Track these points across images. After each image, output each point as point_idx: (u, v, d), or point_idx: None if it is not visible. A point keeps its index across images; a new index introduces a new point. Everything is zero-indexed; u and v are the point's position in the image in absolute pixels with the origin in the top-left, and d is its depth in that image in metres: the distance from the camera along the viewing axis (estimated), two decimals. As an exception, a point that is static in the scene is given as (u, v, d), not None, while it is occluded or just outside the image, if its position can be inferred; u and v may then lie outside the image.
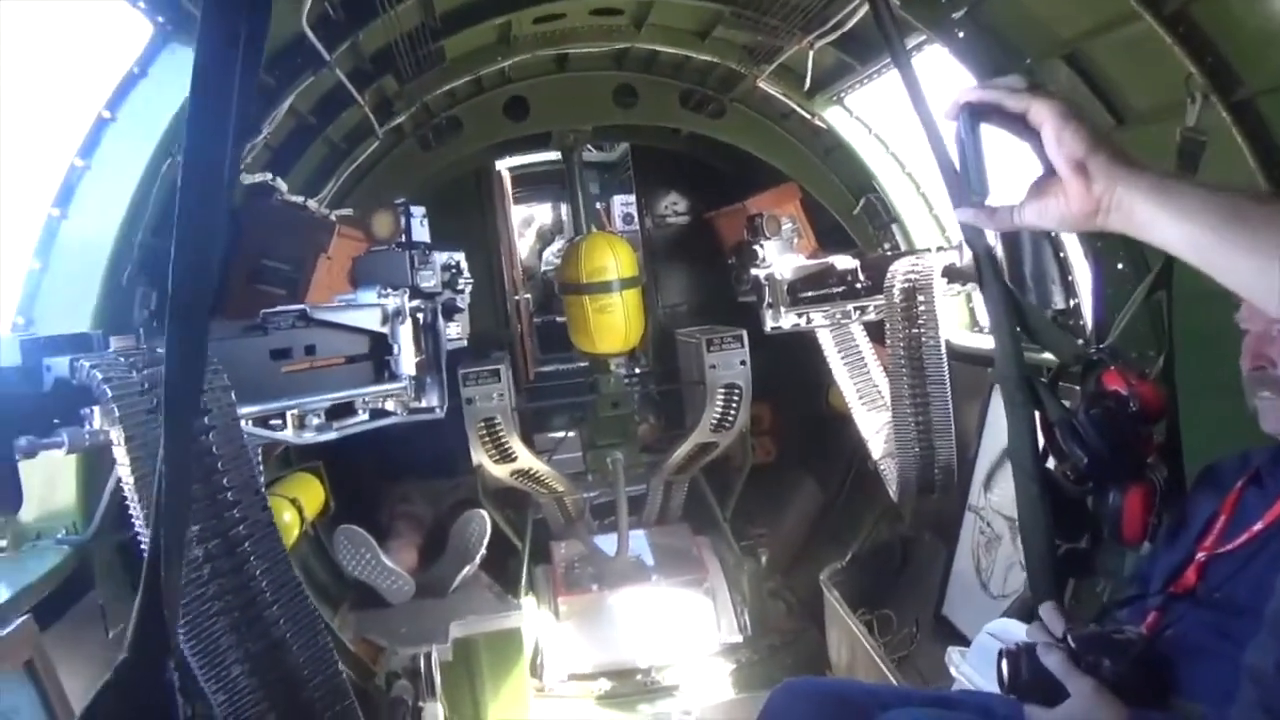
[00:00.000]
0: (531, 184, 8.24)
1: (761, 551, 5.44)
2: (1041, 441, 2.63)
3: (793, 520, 5.83)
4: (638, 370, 5.90)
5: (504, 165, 6.61)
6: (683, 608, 4.94)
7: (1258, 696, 1.51)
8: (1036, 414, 2.58)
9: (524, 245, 9.22)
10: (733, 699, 4.64)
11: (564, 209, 8.96)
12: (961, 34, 3.10)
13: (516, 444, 4.83)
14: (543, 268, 9.15)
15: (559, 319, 7.74)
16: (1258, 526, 1.93)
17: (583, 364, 5.98)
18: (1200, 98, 2.49)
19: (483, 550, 4.78)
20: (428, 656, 4.01)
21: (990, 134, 1.21)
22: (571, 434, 5.67)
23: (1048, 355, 2.96)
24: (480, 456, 4.82)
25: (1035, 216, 1.15)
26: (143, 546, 1.77)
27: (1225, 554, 2.00)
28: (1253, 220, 0.98)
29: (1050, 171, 1.11)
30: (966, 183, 1.21)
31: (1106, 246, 3.15)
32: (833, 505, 5.76)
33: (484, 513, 4.86)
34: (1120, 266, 3.12)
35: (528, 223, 9.73)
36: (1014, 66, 3.05)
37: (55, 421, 1.76)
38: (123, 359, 1.80)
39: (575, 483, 5.25)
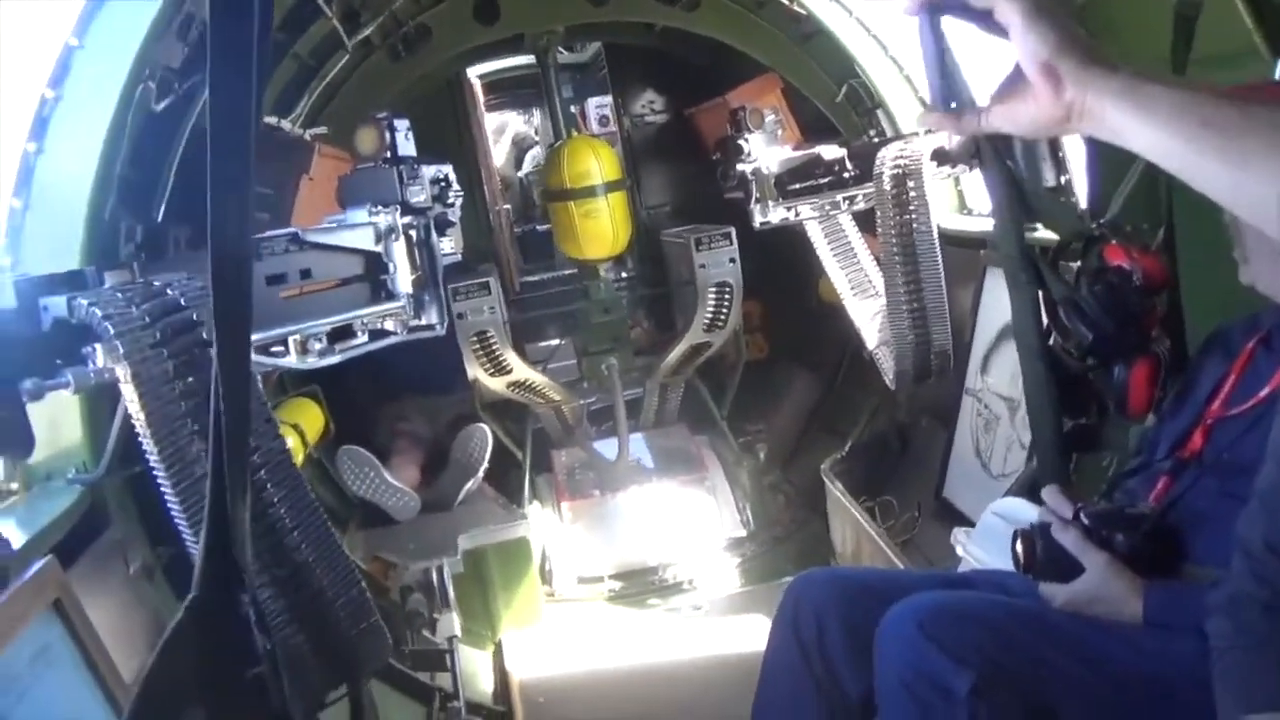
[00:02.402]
0: (503, 91, 8.04)
1: (760, 447, 5.48)
2: (1045, 320, 2.64)
3: (789, 414, 5.87)
4: (624, 275, 5.85)
5: (474, 73, 6.44)
6: (685, 506, 5.00)
7: (1248, 567, 1.53)
8: (1039, 293, 2.58)
9: (499, 154, 9.04)
10: (740, 591, 4.74)
11: (536, 115, 8.76)
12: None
13: (510, 356, 4.82)
14: (521, 173, 8.99)
15: (540, 228, 7.66)
16: (1266, 390, 1.95)
17: (567, 272, 5.92)
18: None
19: (485, 463, 4.81)
20: (439, 570, 4.06)
21: (958, 30, 1.14)
22: (564, 342, 5.65)
23: (1044, 234, 2.95)
24: (475, 370, 4.81)
25: (1003, 121, 1.09)
26: (159, 481, 1.77)
27: (1233, 417, 2.02)
28: (1231, 126, 0.92)
29: (1019, 73, 1.05)
30: (931, 85, 1.15)
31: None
32: (828, 397, 5.79)
33: (484, 426, 4.88)
34: (1115, 138, 3.08)
35: (501, 131, 9.52)
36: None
37: (58, 362, 1.73)
38: (120, 294, 1.76)
39: (571, 391, 5.25)
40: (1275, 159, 0.89)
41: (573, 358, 5.53)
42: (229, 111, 1.00)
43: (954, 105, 1.14)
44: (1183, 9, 2.42)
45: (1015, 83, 1.06)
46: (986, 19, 1.07)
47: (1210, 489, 2.00)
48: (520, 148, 9.53)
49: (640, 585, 4.82)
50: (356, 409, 4.96)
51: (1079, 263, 2.63)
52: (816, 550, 4.71)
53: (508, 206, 7.48)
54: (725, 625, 4.32)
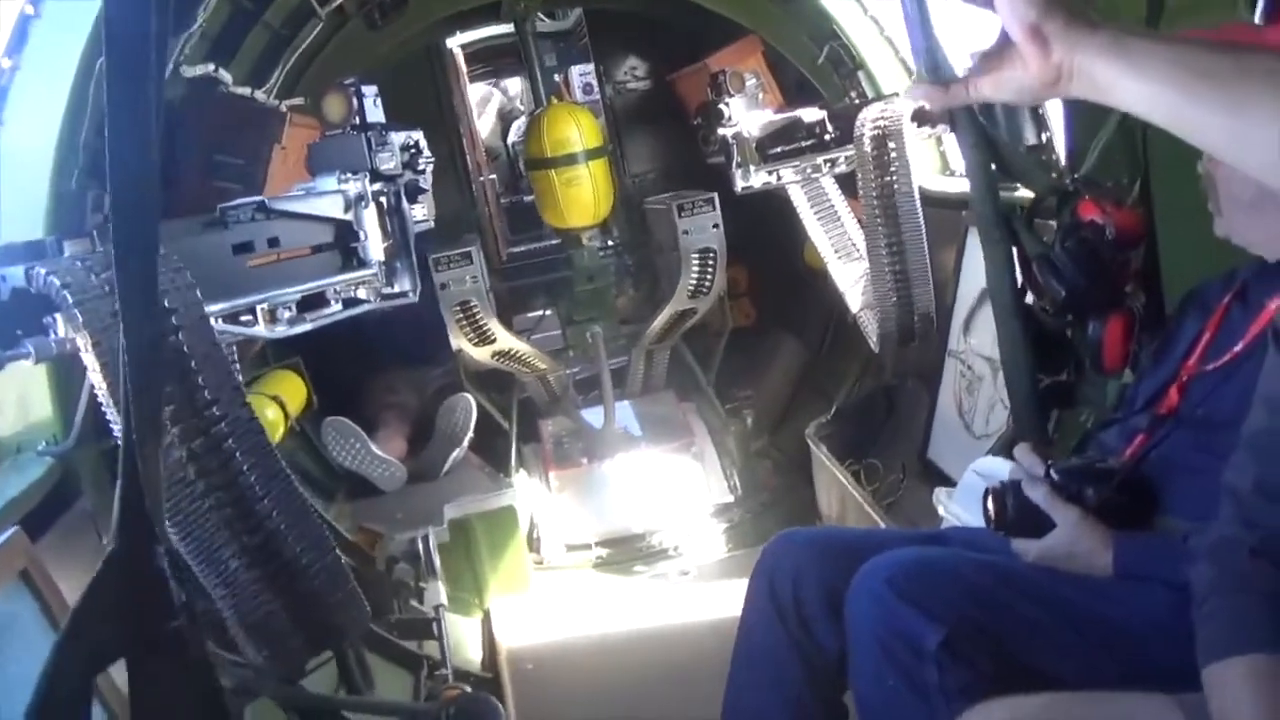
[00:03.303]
0: (486, 61, 7.99)
1: (747, 413, 5.48)
2: (1020, 278, 2.63)
3: (776, 380, 5.87)
4: (609, 243, 5.83)
5: (455, 43, 6.39)
6: (672, 473, 5.00)
7: (1236, 512, 1.53)
8: (1014, 251, 2.57)
9: (484, 125, 8.98)
10: (728, 556, 4.75)
11: (521, 84, 8.70)
12: None
13: (494, 325, 4.81)
14: (507, 143, 8.93)
15: (526, 198, 7.61)
16: (1240, 344, 1.94)
17: (554, 241, 5.90)
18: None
19: (470, 433, 4.81)
20: (425, 539, 4.07)
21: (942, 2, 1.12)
22: (549, 312, 5.63)
23: (1023, 193, 2.94)
24: (459, 341, 4.80)
25: (992, 89, 1.07)
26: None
27: (1209, 372, 2.01)
28: (1223, 74, 0.91)
29: (1005, 39, 1.03)
30: (916, 56, 1.13)
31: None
32: (815, 362, 5.78)
33: (469, 396, 4.88)
34: (1092, 94, 3.06)
35: (486, 101, 9.45)
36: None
37: (19, 333, 1.72)
38: (79, 263, 1.75)
39: (557, 359, 5.25)
40: (1274, 104, 0.88)
41: (558, 327, 5.52)
42: (127, 49, 0.98)
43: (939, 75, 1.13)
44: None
45: (1001, 49, 1.05)
46: None
47: (1184, 442, 2.00)
48: (506, 118, 9.46)
49: (628, 552, 4.82)
50: (341, 381, 4.95)
51: (1054, 220, 2.62)
52: (803, 514, 4.71)
53: (493, 177, 7.44)
54: (712, 590, 4.33)
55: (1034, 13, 0.98)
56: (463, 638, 4.12)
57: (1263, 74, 0.89)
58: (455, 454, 4.73)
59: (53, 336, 1.73)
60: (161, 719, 1.12)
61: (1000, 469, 2.56)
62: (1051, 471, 2.05)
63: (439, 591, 3.89)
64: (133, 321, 1.02)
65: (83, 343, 1.69)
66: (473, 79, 7.59)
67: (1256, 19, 2.18)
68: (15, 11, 2.18)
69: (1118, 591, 1.88)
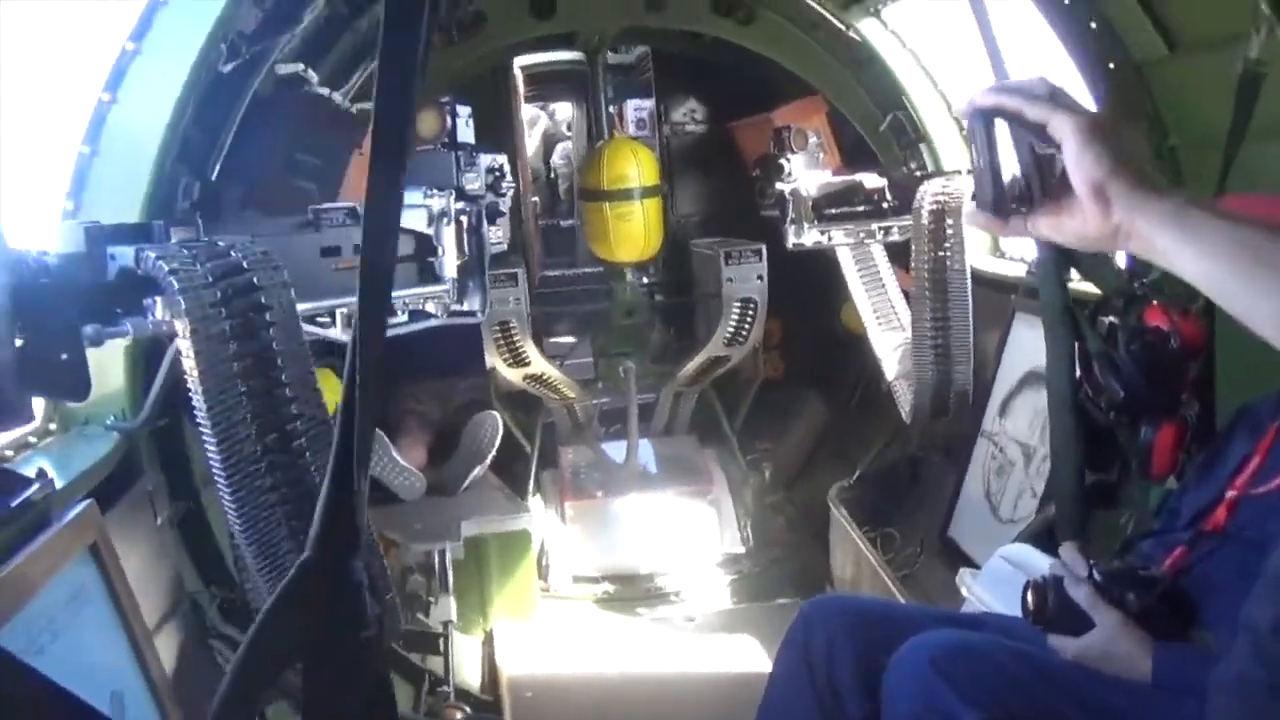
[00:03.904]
0: (542, 83, 8.05)
1: (766, 465, 5.49)
2: (1078, 372, 2.65)
3: (798, 436, 5.88)
4: (645, 280, 5.87)
5: (519, 63, 6.47)
6: (686, 517, 5.01)
7: (1252, 649, 1.55)
8: (1076, 345, 2.59)
9: (529, 147, 9.06)
10: (733, 608, 4.74)
11: (571, 110, 8.78)
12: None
13: (530, 349, 4.84)
14: (551, 171, 9.00)
15: (563, 223, 7.69)
16: (1292, 471, 1.96)
17: (589, 270, 5.94)
18: (1266, 28, 2.44)
19: (494, 451, 4.82)
20: (441, 553, 4.07)
21: (1007, 131, 1.15)
22: (583, 340, 5.67)
23: (1086, 286, 2.97)
24: (494, 359, 4.83)
25: (1050, 230, 1.10)
26: (204, 437, 1.79)
27: (1257, 495, 2.03)
28: (1277, 264, 0.94)
29: (1067, 186, 1.05)
30: (978, 185, 1.16)
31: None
32: (839, 423, 5.80)
33: (496, 414, 4.89)
34: (1163, 200, 3.10)
35: (533, 123, 9.54)
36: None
37: (118, 311, 1.75)
38: (186, 250, 1.78)
39: (586, 389, 5.28)
40: None
41: (590, 356, 5.55)
42: (395, 89, 1.02)
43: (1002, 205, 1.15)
44: (1247, 76, 2.43)
45: (1064, 193, 1.07)
46: (1040, 131, 1.08)
47: (1228, 561, 2.01)
48: (549, 141, 9.54)
49: (634, 590, 4.83)
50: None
51: (1118, 319, 2.64)
52: (812, 575, 4.71)
53: (535, 199, 7.50)
54: (716, 642, 4.32)
55: (1100, 173, 1.01)
56: (464, 656, 4.11)
57: None
58: (477, 471, 4.73)
59: (150, 319, 1.75)
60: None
61: (1030, 558, 2.57)
62: (1095, 572, 2.06)
63: (449, 607, 3.90)
64: (366, 334, 1.05)
65: (181, 328, 1.72)
66: (526, 100, 7.66)
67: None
68: (146, -4, 2.23)
69: (1153, 701, 1.88)
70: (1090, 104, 3.02)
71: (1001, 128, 1.13)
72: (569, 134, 8.79)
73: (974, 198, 1.18)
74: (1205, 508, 2.12)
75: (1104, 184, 1.01)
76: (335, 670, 1.10)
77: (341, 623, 1.10)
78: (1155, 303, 2.54)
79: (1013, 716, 1.83)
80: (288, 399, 1.87)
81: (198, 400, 1.73)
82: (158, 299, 1.74)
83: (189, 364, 1.72)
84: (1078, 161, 1.02)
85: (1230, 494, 2.07)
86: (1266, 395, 2.17)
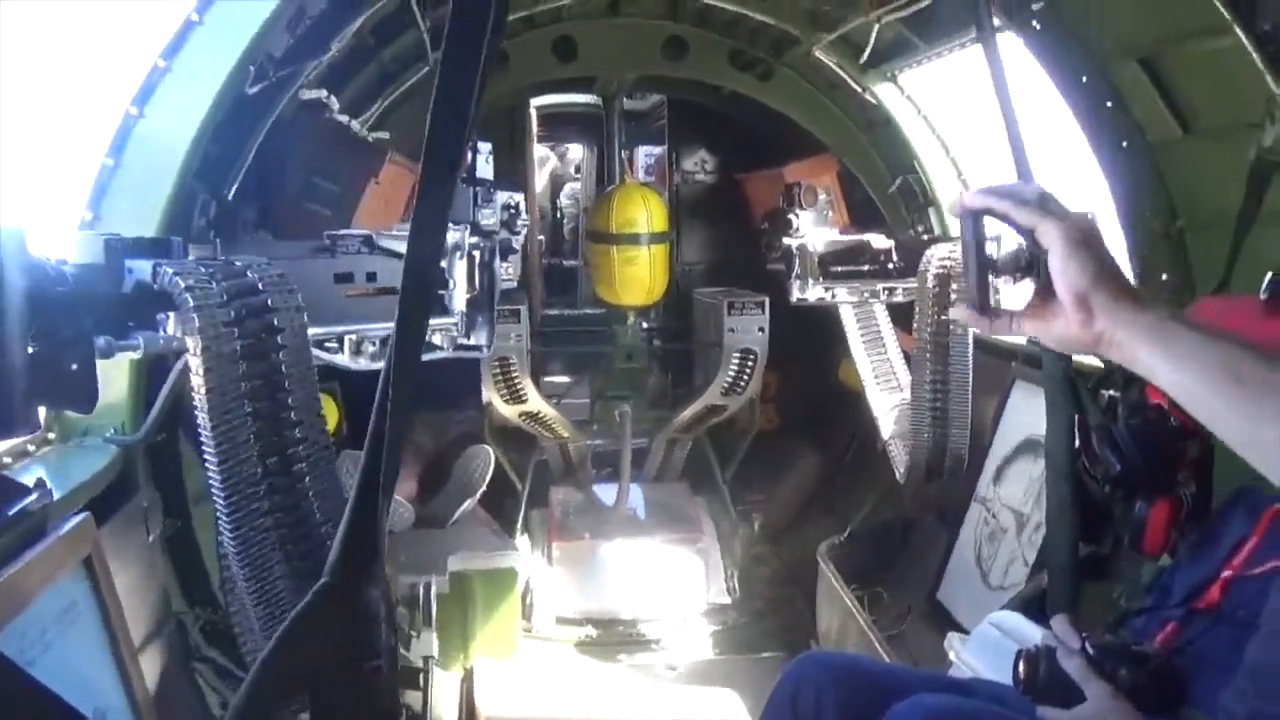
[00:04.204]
0: (555, 124, 8.13)
1: (756, 517, 5.48)
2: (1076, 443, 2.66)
3: (789, 490, 5.88)
4: (645, 325, 5.89)
5: (535, 103, 6.53)
6: (674, 565, 4.98)
7: None
8: (1076, 416, 2.61)
9: (537, 186, 9.12)
10: (716, 659, 4.71)
11: (582, 152, 8.86)
12: (1038, 25, 3.08)
13: (528, 386, 4.83)
14: (558, 211, 9.06)
15: (566, 263, 7.72)
16: (1288, 555, 1.97)
17: (590, 311, 5.95)
18: (1281, 119, 2.49)
19: (484, 486, 4.80)
20: (427, 587, 4.03)
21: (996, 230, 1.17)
22: (580, 381, 5.67)
23: (1091, 360, 2.99)
24: (491, 394, 4.82)
25: (1035, 331, 1.13)
26: (205, 455, 1.79)
27: (1253, 576, 2.03)
28: (1253, 383, 0.96)
29: (1053, 291, 1.09)
30: (967, 282, 1.18)
31: (1152, 259, 3.15)
32: (831, 478, 5.80)
33: (489, 449, 4.88)
34: (1164, 277, 3.14)
35: (542, 162, 9.61)
36: (1086, 65, 3.04)
37: (130, 324, 1.75)
38: (203, 268, 1.79)
39: (580, 430, 5.26)
40: None
41: (587, 397, 5.54)
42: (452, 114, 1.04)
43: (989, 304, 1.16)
44: (1260, 165, 2.47)
45: (1050, 297, 1.10)
46: (1028, 235, 1.11)
47: (1221, 640, 2.01)
48: (557, 182, 9.62)
49: (617, 636, 4.79)
50: (368, 413, 4.95)
51: (1119, 393, 2.66)
52: (797, 630, 4.68)
53: (541, 238, 7.54)
54: (696, 693, 4.28)
55: (1085, 282, 1.04)
56: (442, 693, 4.06)
57: None
58: (466, 505, 4.71)
59: (162, 334, 1.76)
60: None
61: (1019, 626, 2.56)
62: (1088, 645, 2.06)
63: (431, 642, 3.86)
64: (401, 362, 1.05)
65: (193, 345, 1.72)
66: (538, 139, 7.73)
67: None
68: (181, 14, 2.25)
69: (1139, 775, 1.87)
70: (1103, 182, 3.07)
71: (993, 224, 1.15)
72: (577, 175, 8.86)
73: (963, 297, 1.20)
74: (1199, 586, 2.13)
75: (1087, 293, 1.03)
76: (344, 699, 1.09)
77: (355, 651, 1.09)
78: (1157, 380, 2.56)
79: (1000, 785, 1.82)
80: (292, 422, 1.87)
81: (203, 418, 1.73)
82: (171, 314, 1.75)
83: (197, 381, 1.73)
84: (1063, 269, 1.05)
85: (1226, 573, 2.08)
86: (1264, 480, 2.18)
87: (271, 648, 1.07)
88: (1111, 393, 2.73)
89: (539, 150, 9.16)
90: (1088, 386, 2.65)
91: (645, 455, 5.48)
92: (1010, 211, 1.11)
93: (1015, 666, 2.10)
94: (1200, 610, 2.08)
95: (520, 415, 4.97)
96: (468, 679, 4.23)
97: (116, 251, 1.73)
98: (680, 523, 5.17)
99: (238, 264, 1.86)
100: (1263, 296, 2.19)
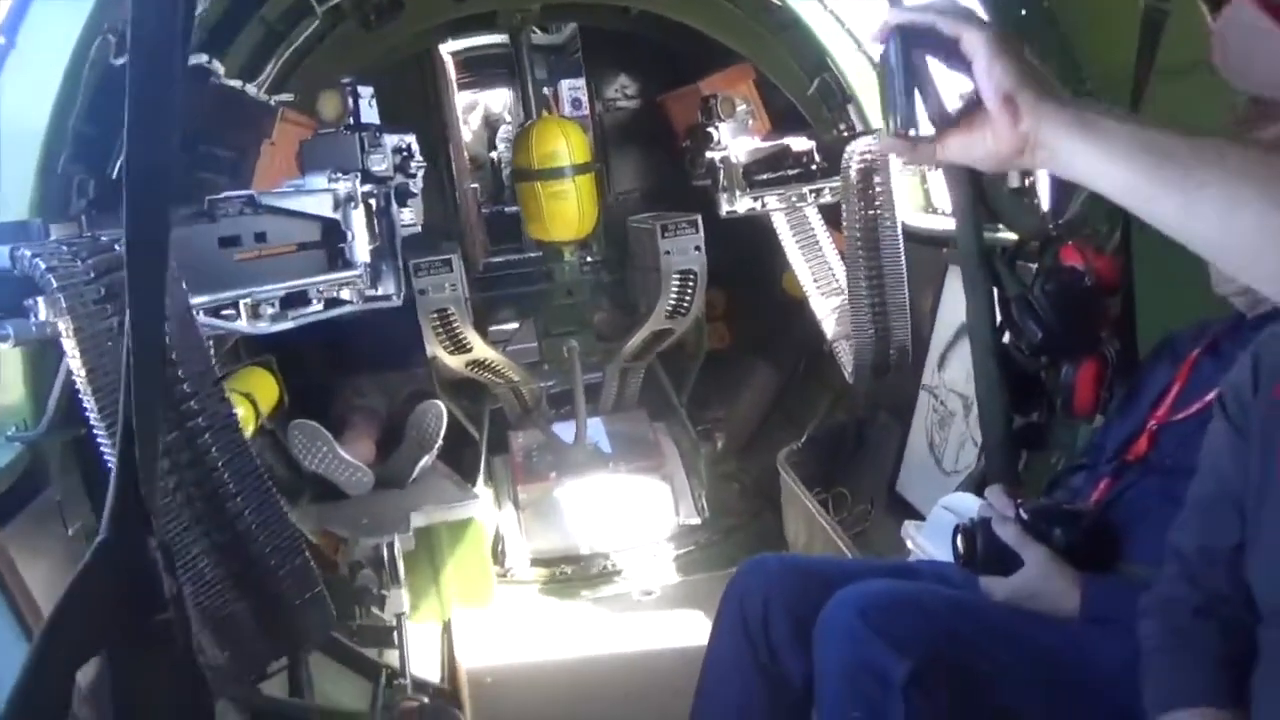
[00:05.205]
0: (476, 69, 7.98)
1: (718, 436, 5.50)
2: (999, 318, 2.66)
3: (748, 405, 5.89)
4: (589, 259, 5.84)
5: (447, 49, 6.39)
6: (641, 493, 4.99)
7: (1180, 570, 1.60)
8: (995, 291, 2.60)
9: (469, 133, 8.97)
10: (692, 579, 4.74)
11: (509, 94, 8.71)
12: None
13: (471, 334, 4.79)
14: (492, 155, 8.93)
15: (509, 209, 7.61)
16: (1211, 395, 1.97)
17: (533, 255, 5.90)
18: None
19: (440, 440, 4.77)
20: (390, 545, 4.02)
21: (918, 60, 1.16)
22: (526, 324, 5.63)
23: (1007, 234, 2.98)
24: (434, 348, 4.78)
25: (959, 152, 1.11)
26: (99, 440, 1.74)
27: (1178, 422, 2.05)
28: (1180, 156, 0.94)
29: (975, 105, 1.07)
30: (891, 110, 1.16)
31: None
32: (788, 389, 5.81)
33: (439, 403, 4.84)
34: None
35: (471, 108, 9.44)
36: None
37: (-1, 314, 1.70)
38: (65, 247, 1.73)
39: (531, 372, 5.24)
40: (1221, 183, 0.91)
41: (534, 339, 5.51)
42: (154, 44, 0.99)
43: (911, 132, 1.15)
44: (1151, 10, 2.43)
45: (972, 114, 1.08)
46: (952, 49, 1.09)
47: (1152, 490, 2.03)
48: (492, 126, 9.46)
49: (592, 569, 4.81)
50: (313, 382, 4.91)
51: (1035, 262, 2.66)
52: (770, 540, 4.72)
53: (475, 185, 7.43)
54: (675, 615, 4.32)
55: (1010, 82, 1.02)
56: (422, 648, 4.08)
57: (1215, 154, 0.92)
58: (424, 461, 4.68)
59: (33, 320, 1.70)
60: (144, 714, 1.10)
61: (969, 505, 2.58)
62: (1021, 511, 2.07)
63: (401, 599, 3.85)
64: (139, 310, 1.02)
65: (64, 327, 1.67)
66: (461, 87, 7.59)
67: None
68: (16, -13, 2.15)
69: (1084, 636, 1.89)
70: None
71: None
72: (511, 119, 8.73)
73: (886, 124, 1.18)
74: (1128, 439, 2.14)
75: (1014, 92, 1.02)
76: (139, 654, 1.08)
77: (141, 604, 1.07)
78: (1070, 243, 2.55)
79: (944, 662, 1.82)
80: (186, 394, 1.83)
81: (88, 401, 1.69)
82: (39, 299, 1.69)
83: (75, 364, 1.68)
84: (988, 70, 1.04)
85: (1151, 424, 2.09)
86: (1188, 326, 2.18)
87: (53, 613, 1.05)
88: (1028, 264, 2.73)
89: (466, 97, 9.01)
90: (1004, 259, 2.64)
91: (600, 389, 5.47)
92: (935, 23, 1.10)
93: (953, 542, 2.12)
94: (1130, 462, 2.10)
95: (468, 365, 4.94)
96: (446, 630, 4.25)
97: (-31, 240, 1.67)
98: (641, 450, 5.18)
99: (104, 239, 1.80)
100: None
